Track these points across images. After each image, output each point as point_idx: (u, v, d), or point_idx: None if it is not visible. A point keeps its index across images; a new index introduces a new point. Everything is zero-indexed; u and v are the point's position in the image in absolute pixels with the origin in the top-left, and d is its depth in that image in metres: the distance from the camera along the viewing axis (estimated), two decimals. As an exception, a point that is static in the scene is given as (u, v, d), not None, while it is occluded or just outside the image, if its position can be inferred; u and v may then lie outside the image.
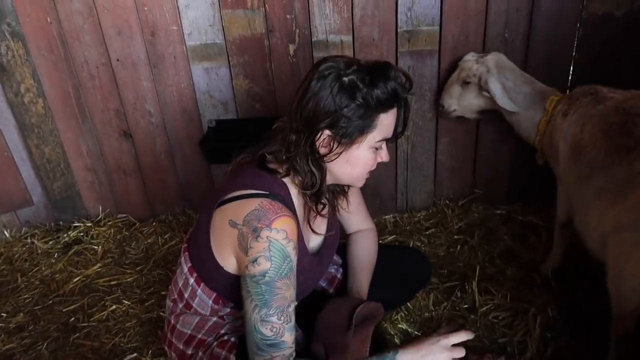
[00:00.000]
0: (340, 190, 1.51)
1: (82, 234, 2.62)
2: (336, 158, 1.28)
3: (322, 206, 1.38)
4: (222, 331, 1.40)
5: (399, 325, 1.92)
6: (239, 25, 2.27)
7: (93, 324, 2.05)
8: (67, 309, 2.14)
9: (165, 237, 2.58)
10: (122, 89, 2.41)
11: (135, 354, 1.88)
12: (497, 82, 2.03)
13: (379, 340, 1.78)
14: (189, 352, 1.40)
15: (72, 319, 2.09)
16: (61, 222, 2.71)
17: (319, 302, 1.48)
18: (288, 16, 2.25)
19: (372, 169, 1.37)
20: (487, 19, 2.27)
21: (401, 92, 1.27)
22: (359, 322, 1.38)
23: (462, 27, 2.29)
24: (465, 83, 2.14)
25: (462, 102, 2.20)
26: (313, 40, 2.30)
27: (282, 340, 1.19)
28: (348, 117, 1.22)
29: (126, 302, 2.15)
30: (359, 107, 1.22)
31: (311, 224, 1.41)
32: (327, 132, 1.24)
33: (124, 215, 2.73)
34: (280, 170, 1.31)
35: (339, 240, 1.61)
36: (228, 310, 1.40)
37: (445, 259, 2.34)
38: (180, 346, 1.41)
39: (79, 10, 2.23)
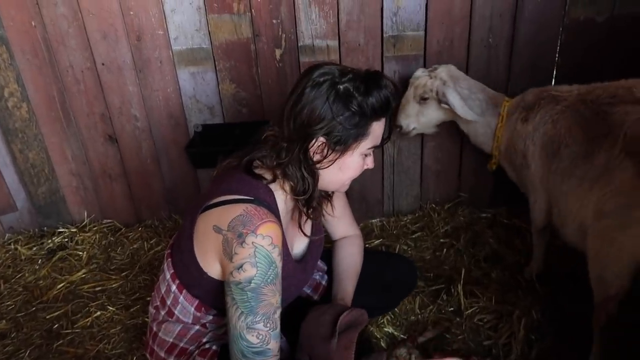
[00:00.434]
0: (325, 195, 1.52)
1: (66, 239, 2.59)
2: (329, 165, 1.29)
3: (312, 210, 1.38)
4: (204, 339, 1.39)
5: (385, 329, 1.93)
6: (225, 29, 2.27)
7: (77, 330, 2.03)
8: (51, 315, 2.12)
9: (151, 242, 2.56)
10: (108, 93, 2.39)
11: (119, 361, 1.86)
12: (454, 93, 2.05)
13: (365, 344, 1.78)
14: (171, 360, 1.39)
15: (56, 325, 2.07)
16: (45, 228, 2.68)
17: (304, 309, 1.48)
18: (274, 21, 2.26)
19: (358, 175, 1.38)
20: (472, 24, 2.30)
21: (392, 101, 1.30)
22: (343, 329, 1.37)
23: (446, 32, 2.31)
24: (422, 99, 2.14)
25: (421, 118, 2.20)
26: (299, 45, 2.30)
27: (267, 348, 1.19)
28: (343, 124, 1.24)
29: (111, 308, 2.13)
30: (354, 115, 1.24)
31: (302, 227, 1.41)
32: (321, 139, 1.25)
33: (109, 220, 2.71)
34: (267, 176, 1.31)
35: (324, 246, 1.62)
36: (211, 317, 1.39)
37: (431, 262, 2.35)
38: (162, 354, 1.40)
39: (64, 14, 2.21)
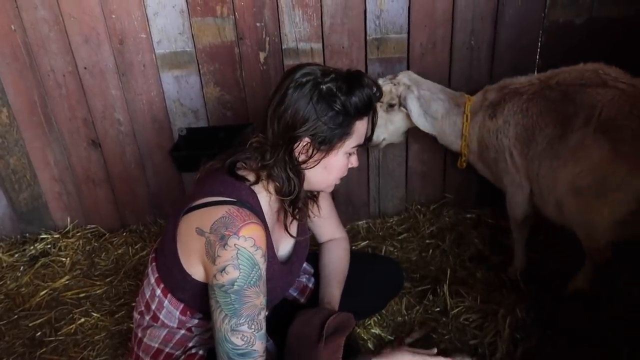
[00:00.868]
0: (311, 196, 1.52)
1: (49, 246, 2.56)
2: (315, 165, 1.29)
3: (298, 211, 1.38)
4: (190, 344, 1.38)
5: (372, 330, 1.93)
6: (208, 33, 2.26)
7: (61, 338, 2.00)
8: (34, 323, 2.08)
9: (136, 247, 2.53)
10: (90, 97, 2.37)
11: (104, 368, 1.84)
12: (414, 100, 2.09)
13: (352, 346, 1.78)
14: (157, 366, 1.37)
15: (39, 333, 2.03)
16: (27, 234, 2.64)
17: (291, 312, 1.47)
18: (258, 24, 2.26)
19: (344, 174, 1.39)
20: (454, 26, 2.33)
21: (374, 100, 1.32)
22: (330, 333, 1.37)
23: (429, 35, 2.33)
24: (390, 106, 2.15)
25: (390, 126, 2.21)
26: (283, 47, 2.31)
27: (253, 349, 1.18)
28: (327, 124, 1.24)
29: (95, 314, 2.10)
30: (338, 115, 1.25)
31: (288, 228, 1.41)
32: (306, 139, 1.26)
33: (93, 226, 2.67)
34: (250, 178, 1.31)
35: (311, 248, 1.61)
36: (196, 321, 1.38)
37: (417, 263, 2.36)
38: (148, 360, 1.38)
39: (45, 17, 2.19)
